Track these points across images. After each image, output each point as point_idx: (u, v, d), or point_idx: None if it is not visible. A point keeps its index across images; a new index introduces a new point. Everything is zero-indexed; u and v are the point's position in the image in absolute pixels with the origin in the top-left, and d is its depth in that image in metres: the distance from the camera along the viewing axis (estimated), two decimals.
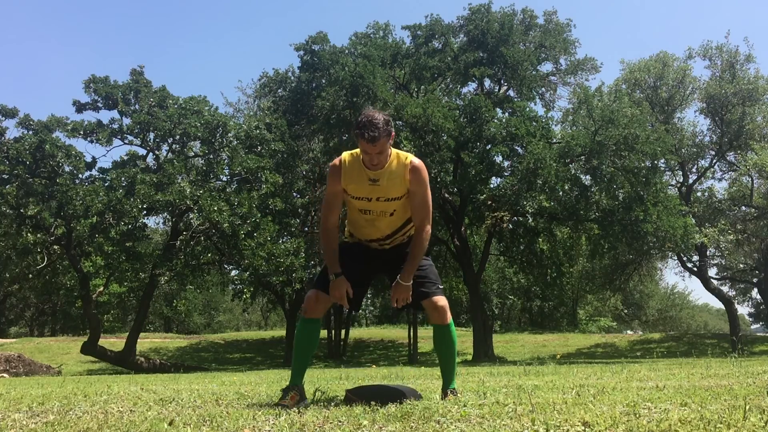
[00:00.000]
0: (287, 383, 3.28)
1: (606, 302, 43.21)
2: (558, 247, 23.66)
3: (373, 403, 2.83)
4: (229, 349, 31.37)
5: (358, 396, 3.04)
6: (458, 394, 3.23)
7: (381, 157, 3.07)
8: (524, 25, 23.22)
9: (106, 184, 18.03)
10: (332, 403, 3.02)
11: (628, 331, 44.56)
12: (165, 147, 20.69)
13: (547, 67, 24.32)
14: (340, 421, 2.32)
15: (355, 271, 3.21)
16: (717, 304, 44.34)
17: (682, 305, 55.22)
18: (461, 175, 20.21)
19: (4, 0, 74.80)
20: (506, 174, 20.91)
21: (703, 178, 28.78)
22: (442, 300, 3.19)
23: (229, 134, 20.03)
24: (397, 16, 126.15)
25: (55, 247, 19.01)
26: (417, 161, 3.16)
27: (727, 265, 34.02)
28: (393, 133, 3.12)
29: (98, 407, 3.20)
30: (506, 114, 21.73)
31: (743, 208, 27.85)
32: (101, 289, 23.13)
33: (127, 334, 21.75)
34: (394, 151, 3.17)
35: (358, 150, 3.16)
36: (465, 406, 2.67)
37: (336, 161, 3.22)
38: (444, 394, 3.23)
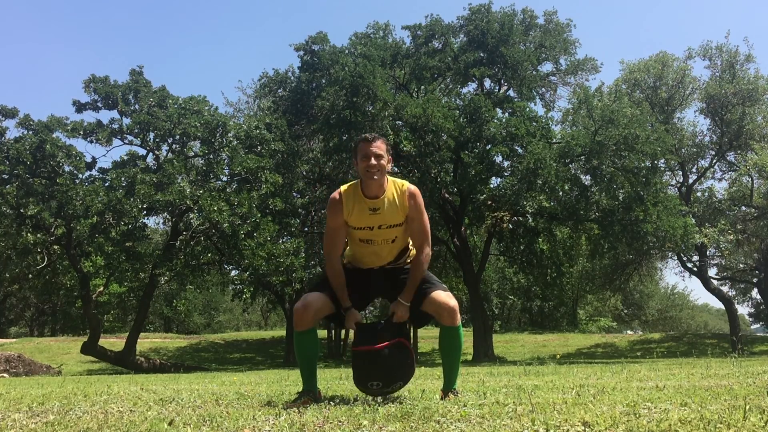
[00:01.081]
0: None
1: (606, 302, 43.22)
2: (558, 247, 23.66)
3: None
4: (229, 349, 31.37)
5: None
6: (458, 395, 3.22)
7: (380, 162, 3.12)
8: (524, 25, 23.21)
9: (106, 184, 18.04)
10: (332, 403, 3.01)
11: (628, 331, 44.60)
12: (165, 147, 20.70)
13: (547, 67, 24.35)
14: (340, 421, 2.32)
15: (357, 302, 3.27)
16: (717, 304, 44.37)
17: (682, 305, 55.24)
18: (461, 175, 20.21)
19: (4, 0, 74.81)
20: (506, 174, 20.91)
21: (703, 178, 28.80)
22: (452, 300, 3.17)
23: (229, 134, 20.03)
24: (397, 16, 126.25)
25: (55, 247, 19.00)
26: (413, 187, 3.25)
27: (727, 265, 34.01)
28: (391, 158, 3.25)
29: (98, 407, 3.20)
30: (506, 114, 21.72)
31: (743, 208, 27.84)
32: (101, 289, 23.13)
33: (127, 334, 21.76)
34: (390, 178, 3.23)
35: (355, 182, 3.25)
36: (465, 406, 2.67)
37: (335, 194, 3.23)
38: (444, 395, 3.22)
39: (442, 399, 3.13)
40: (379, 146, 3.15)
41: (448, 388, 3.27)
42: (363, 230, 3.21)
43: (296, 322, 3.16)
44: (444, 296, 3.16)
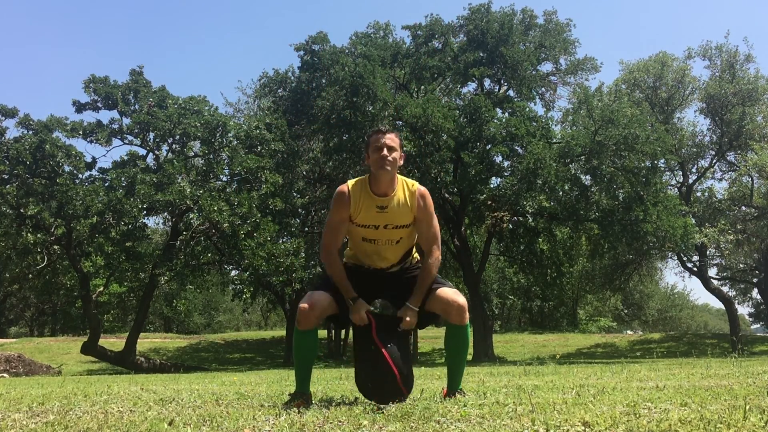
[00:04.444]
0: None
1: (606, 302, 43.22)
2: (558, 247, 23.66)
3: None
4: (229, 349, 31.38)
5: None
6: (466, 395, 3.14)
7: (393, 155, 3.04)
8: (524, 25, 23.21)
9: (106, 184, 18.04)
10: (332, 403, 3.01)
11: (628, 331, 44.56)
12: (165, 147, 20.70)
13: (547, 67, 24.34)
14: (340, 421, 2.32)
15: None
16: (717, 304, 44.40)
17: (682, 305, 55.24)
18: (461, 175, 20.21)
19: (5, 0, 74.80)
20: (506, 174, 20.91)
21: (703, 178, 28.79)
22: (460, 297, 3.06)
23: (229, 134, 20.03)
24: (397, 16, 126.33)
25: (55, 247, 19.01)
26: (423, 188, 3.16)
27: (727, 265, 34.03)
28: (404, 155, 3.17)
29: (98, 407, 3.20)
30: (506, 114, 21.72)
31: (743, 208, 27.84)
32: (101, 289, 23.12)
33: (127, 334, 21.75)
34: (400, 177, 3.15)
35: (363, 177, 3.15)
36: (465, 406, 2.67)
37: (343, 188, 3.12)
38: (450, 395, 3.12)
39: (444, 398, 3.09)
40: (393, 139, 3.08)
41: (454, 389, 3.17)
42: (368, 228, 3.10)
43: (300, 320, 3.03)
44: (452, 293, 3.05)
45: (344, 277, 3.08)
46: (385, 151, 3.03)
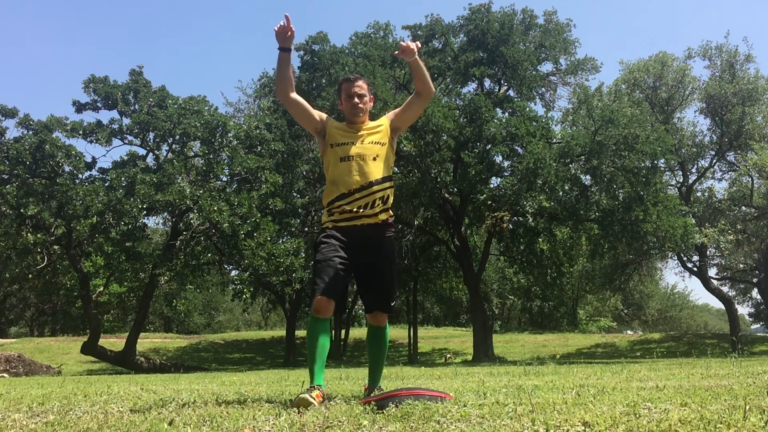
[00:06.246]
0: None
1: (606, 302, 43.25)
2: (558, 247, 23.66)
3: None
4: (229, 349, 31.38)
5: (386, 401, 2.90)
6: (383, 389, 3.32)
7: (363, 101, 3.35)
8: (524, 25, 23.21)
9: (106, 184, 18.03)
10: (332, 403, 3.01)
11: (628, 331, 44.58)
12: (165, 147, 20.70)
13: (547, 67, 24.34)
14: (340, 421, 2.32)
15: (341, 259, 3.20)
16: (717, 304, 44.37)
17: (682, 305, 55.26)
18: (461, 175, 20.20)
19: (4, 0, 74.80)
20: (506, 174, 20.90)
21: (703, 178, 28.79)
22: (388, 314, 3.40)
23: (229, 134, 20.03)
24: (397, 16, 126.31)
25: (55, 247, 19.01)
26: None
27: (727, 265, 34.02)
28: (373, 97, 3.50)
29: (98, 407, 3.20)
30: (506, 114, 21.72)
31: (743, 208, 27.84)
32: (101, 289, 23.13)
33: (127, 334, 21.76)
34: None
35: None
36: (465, 406, 2.67)
37: (324, 115, 3.47)
38: (369, 393, 3.26)
39: (364, 398, 3.06)
40: (362, 86, 3.38)
41: (373, 385, 3.42)
42: (344, 146, 3.30)
43: (319, 309, 3.10)
44: (382, 312, 3.38)
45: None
46: (356, 99, 3.35)
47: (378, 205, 3.27)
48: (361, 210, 3.24)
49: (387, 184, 3.32)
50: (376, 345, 3.44)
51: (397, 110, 3.49)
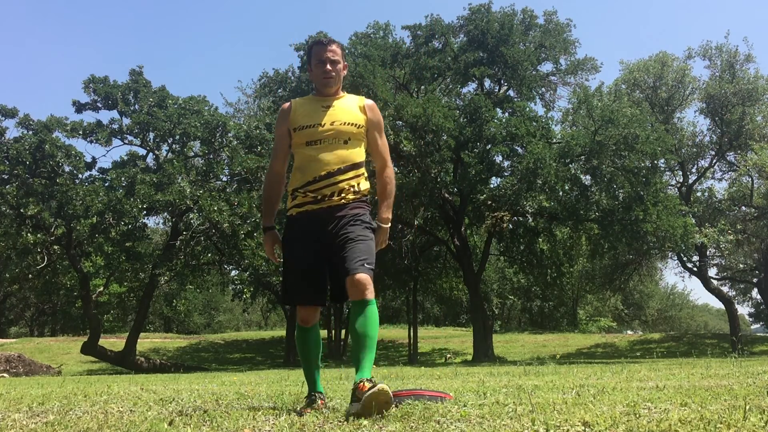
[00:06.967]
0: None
1: (606, 302, 43.25)
2: (558, 247, 23.66)
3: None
4: (229, 349, 31.38)
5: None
6: (376, 383, 2.45)
7: (336, 68, 2.98)
8: (524, 25, 23.21)
9: (106, 184, 18.05)
10: (332, 403, 3.01)
11: (628, 331, 44.60)
12: (165, 147, 20.70)
13: (547, 67, 24.35)
14: (340, 421, 2.32)
15: (308, 259, 2.92)
16: (717, 304, 44.38)
17: (682, 305, 55.28)
18: (461, 175, 20.20)
19: (4, 0, 74.82)
20: (506, 174, 20.91)
21: (703, 178, 28.78)
22: (362, 276, 2.71)
23: (229, 134, 20.03)
24: (397, 16, 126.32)
25: (55, 247, 19.01)
26: (371, 101, 3.11)
27: (727, 265, 34.02)
28: (347, 65, 3.14)
29: (98, 407, 3.20)
30: (506, 114, 21.72)
31: (743, 208, 27.84)
32: (101, 289, 23.14)
33: (127, 334, 21.77)
34: (349, 94, 3.12)
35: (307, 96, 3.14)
36: (465, 406, 2.67)
37: (285, 104, 3.09)
38: (358, 386, 2.52)
39: (354, 391, 2.60)
40: (335, 51, 2.99)
41: (362, 375, 2.62)
42: (312, 128, 2.93)
43: (304, 319, 2.95)
44: (355, 274, 2.73)
45: (272, 202, 3.15)
46: (328, 66, 2.97)
47: (349, 192, 2.94)
48: (327, 198, 2.94)
49: (359, 171, 2.98)
50: (360, 325, 2.70)
51: (368, 124, 3.03)
